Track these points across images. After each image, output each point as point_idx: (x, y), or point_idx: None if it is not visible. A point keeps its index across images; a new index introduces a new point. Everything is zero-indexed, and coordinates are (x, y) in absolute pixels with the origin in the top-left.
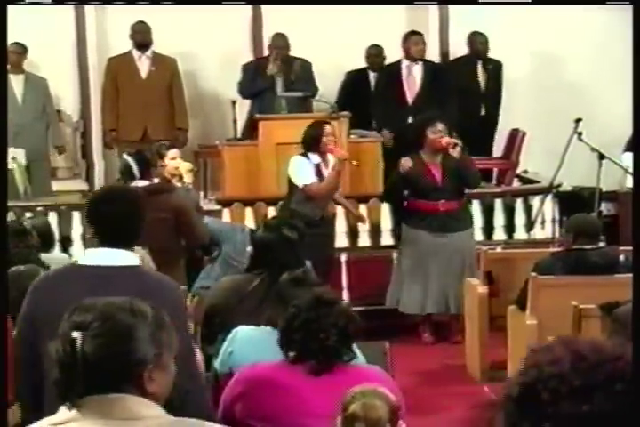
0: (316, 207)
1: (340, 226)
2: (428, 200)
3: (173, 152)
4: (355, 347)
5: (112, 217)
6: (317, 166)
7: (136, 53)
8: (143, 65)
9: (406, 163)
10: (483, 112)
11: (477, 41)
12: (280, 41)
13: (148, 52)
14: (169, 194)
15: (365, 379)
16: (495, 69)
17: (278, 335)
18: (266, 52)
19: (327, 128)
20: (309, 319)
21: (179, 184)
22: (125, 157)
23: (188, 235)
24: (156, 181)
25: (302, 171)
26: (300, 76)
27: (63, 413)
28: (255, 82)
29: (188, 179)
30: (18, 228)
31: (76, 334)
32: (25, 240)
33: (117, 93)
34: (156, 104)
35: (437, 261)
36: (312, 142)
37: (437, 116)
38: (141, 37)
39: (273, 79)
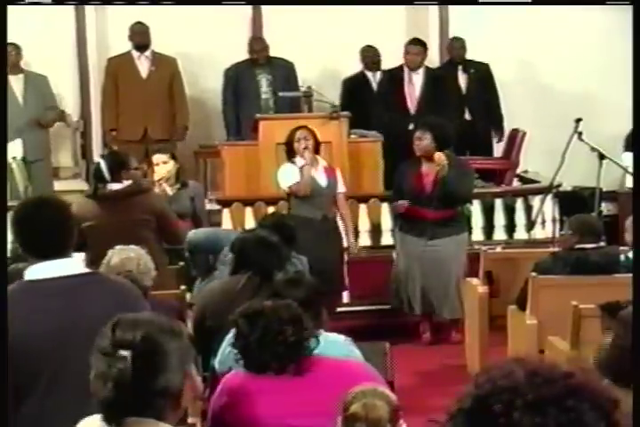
0: (313, 208)
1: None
2: (418, 207)
3: (156, 157)
4: (352, 344)
5: (46, 225)
6: (302, 169)
7: (135, 54)
8: (143, 65)
9: (400, 208)
10: (467, 116)
11: (455, 46)
12: (258, 44)
13: (147, 53)
14: (145, 195)
15: (342, 372)
16: (480, 72)
17: (243, 364)
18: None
19: (298, 133)
20: (261, 336)
21: (167, 189)
22: (99, 159)
23: (166, 234)
24: (126, 183)
25: (284, 176)
26: (284, 76)
27: (90, 426)
28: (237, 88)
29: (157, 189)
30: None
31: (126, 353)
32: None
33: (117, 93)
34: (156, 104)
35: (422, 266)
36: (288, 148)
37: (425, 122)
38: (140, 38)
39: (256, 81)
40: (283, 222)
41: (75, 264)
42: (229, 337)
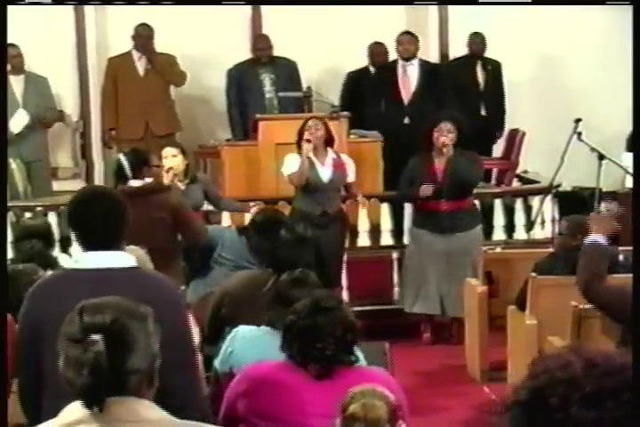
0: (314, 203)
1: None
2: (431, 199)
3: (166, 151)
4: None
5: (98, 217)
6: (308, 159)
7: (136, 54)
8: (142, 64)
9: (427, 190)
10: (483, 112)
11: (475, 41)
12: (262, 42)
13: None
14: (165, 193)
15: (368, 380)
16: (495, 69)
17: (281, 339)
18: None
19: (310, 121)
20: (307, 327)
21: (179, 184)
22: (120, 156)
23: (187, 233)
24: (148, 180)
25: (286, 164)
26: (287, 75)
27: (72, 413)
28: (242, 88)
29: (167, 180)
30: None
31: (97, 337)
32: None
33: (117, 93)
34: (156, 101)
35: (437, 262)
36: (298, 138)
37: (446, 116)
38: (142, 42)
39: (260, 80)
40: (276, 218)
41: (120, 258)
42: (230, 337)
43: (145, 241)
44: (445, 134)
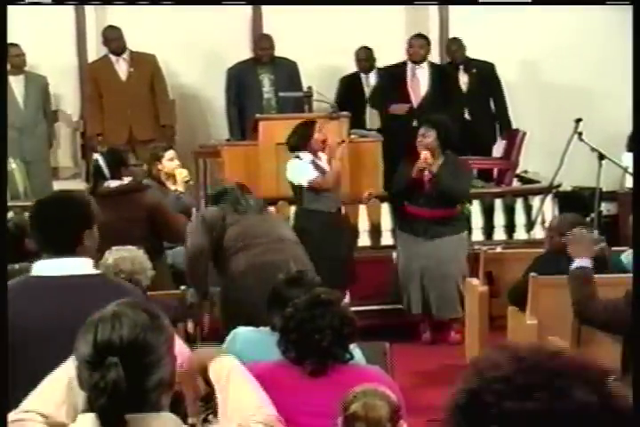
0: (328, 201)
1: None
2: (415, 205)
3: (170, 153)
4: (355, 347)
5: (54, 222)
6: (312, 163)
7: (113, 58)
8: (121, 67)
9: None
10: (467, 116)
11: (452, 48)
12: (265, 42)
13: (125, 55)
14: (141, 193)
15: (363, 379)
16: (482, 71)
17: (278, 335)
18: None
19: (317, 126)
20: (304, 320)
21: (172, 187)
22: (96, 156)
23: (164, 232)
24: (126, 180)
25: (301, 171)
26: (287, 76)
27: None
28: (240, 87)
29: (180, 188)
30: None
31: (114, 359)
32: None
33: (101, 98)
34: (139, 105)
35: (421, 265)
36: (301, 141)
37: (429, 119)
38: (116, 44)
39: (259, 80)
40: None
41: (82, 264)
42: (229, 339)
43: (121, 242)
44: (420, 139)
